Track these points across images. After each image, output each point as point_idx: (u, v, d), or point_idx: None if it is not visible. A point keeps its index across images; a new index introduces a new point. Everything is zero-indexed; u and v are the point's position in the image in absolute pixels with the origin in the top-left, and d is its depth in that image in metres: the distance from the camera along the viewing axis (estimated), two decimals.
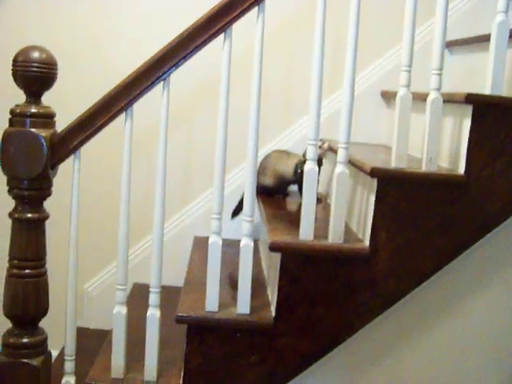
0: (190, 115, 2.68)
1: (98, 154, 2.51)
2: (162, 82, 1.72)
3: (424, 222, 1.76)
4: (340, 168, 1.73)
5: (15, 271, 1.70)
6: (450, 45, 2.56)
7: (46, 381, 1.76)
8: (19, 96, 1.69)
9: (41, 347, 1.75)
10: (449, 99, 1.81)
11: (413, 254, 1.76)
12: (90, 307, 2.74)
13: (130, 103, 1.71)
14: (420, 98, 1.93)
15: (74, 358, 1.80)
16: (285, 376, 1.81)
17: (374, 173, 1.74)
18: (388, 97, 2.61)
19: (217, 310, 1.78)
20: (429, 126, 1.74)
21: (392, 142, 1.78)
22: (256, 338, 1.78)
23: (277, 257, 1.80)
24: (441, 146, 1.86)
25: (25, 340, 1.72)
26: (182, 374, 1.80)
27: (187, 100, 2.66)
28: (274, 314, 1.78)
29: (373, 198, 1.76)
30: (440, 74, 1.73)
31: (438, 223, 1.76)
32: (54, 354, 2.06)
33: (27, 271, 1.70)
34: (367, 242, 1.77)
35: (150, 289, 1.78)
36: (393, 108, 1.79)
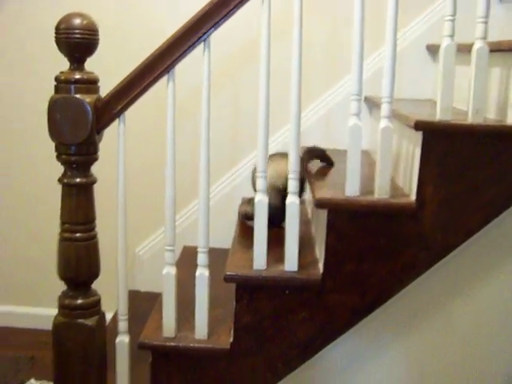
0: (235, 75, 2.69)
1: (143, 118, 2.53)
2: (202, 43, 1.72)
3: (471, 174, 1.73)
4: (384, 123, 1.71)
5: (67, 235, 1.74)
6: None
7: (100, 340, 1.81)
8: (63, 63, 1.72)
9: (94, 308, 1.80)
10: (496, 48, 1.76)
11: (460, 207, 1.74)
12: (141, 271, 2.80)
13: (171, 65, 1.71)
14: (466, 49, 1.88)
15: (126, 317, 1.85)
16: (335, 332, 1.82)
17: (418, 126, 1.71)
18: (434, 50, 2.56)
19: (265, 267, 1.80)
20: (474, 77, 1.70)
21: (437, 95, 1.75)
22: (305, 295, 1.79)
23: (323, 214, 1.80)
24: (487, 97, 1.82)
25: (79, 301, 1.78)
26: (232, 332, 1.82)
27: (232, 60, 2.66)
28: (321, 270, 1.79)
29: (418, 152, 1.74)
30: (486, 23, 1.68)
31: (485, 175, 1.73)
32: (109, 316, 2.11)
33: (78, 235, 1.74)
34: (413, 197, 1.75)
35: (198, 249, 1.80)
36: (439, 62, 1.75)
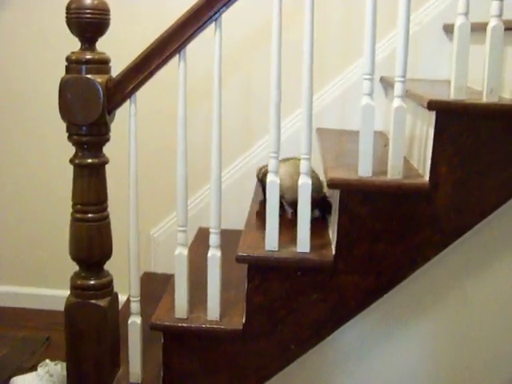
0: (247, 57, 2.67)
1: (155, 99, 2.53)
2: (213, 23, 1.70)
3: (486, 154, 1.70)
4: (397, 102, 1.69)
5: (78, 216, 1.75)
6: None
7: (113, 320, 1.83)
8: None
9: (107, 288, 1.81)
10: (511, 26, 1.73)
11: (474, 188, 1.72)
12: (156, 253, 2.81)
13: (182, 45, 1.70)
14: (481, 28, 1.85)
15: (138, 299, 1.85)
16: (348, 313, 1.81)
17: (431, 105, 1.69)
18: (450, 30, 2.52)
19: (277, 248, 1.79)
20: (489, 55, 1.67)
21: (451, 74, 1.73)
22: (317, 277, 1.78)
23: (336, 194, 1.79)
24: (503, 76, 1.79)
25: (91, 282, 1.79)
26: (245, 314, 1.82)
27: (244, 43, 2.65)
28: (334, 252, 1.78)
29: (432, 132, 1.71)
30: (501, 0, 1.66)
31: (500, 156, 1.70)
32: (124, 298, 2.12)
33: (90, 215, 1.75)
34: (427, 177, 1.73)
35: (210, 230, 1.80)
36: (453, 41, 1.72)
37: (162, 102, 2.61)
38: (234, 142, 2.68)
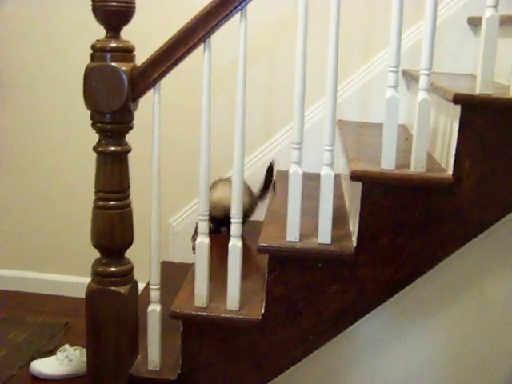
0: (272, 48, 2.67)
1: (178, 88, 2.53)
2: (239, 13, 1.70)
3: (511, 149, 1.69)
4: (422, 95, 1.68)
5: (101, 203, 1.76)
6: None
7: (133, 308, 1.84)
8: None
9: (127, 276, 1.82)
10: None
11: (499, 183, 1.70)
12: (174, 242, 2.82)
13: (207, 34, 1.70)
14: (508, 20, 1.83)
15: (158, 287, 1.86)
16: (367, 306, 1.80)
17: (457, 99, 1.67)
18: (475, 23, 2.50)
19: (298, 239, 1.79)
20: None
21: (477, 68, 1.71)
22: (337, 268, 1.78)
23: (358, 187, 1.78)
24: None
25: (112, 269, 1.80)
26: (264, 304, 1.82)
27: (268, 33, 2.64)
28: (355, 244, 1.78)
29: (456, 126, 1.70)
30: None
31: None
32: (142, 286, 2.13)
33: (112, 203, 1.75)
34: (450, 171, 1.72)
35: (232, 219, 1.80)
36: (480, 33, 1.70)
37: (184, 91, 2.62)
38: (255, 132, 2.67)
